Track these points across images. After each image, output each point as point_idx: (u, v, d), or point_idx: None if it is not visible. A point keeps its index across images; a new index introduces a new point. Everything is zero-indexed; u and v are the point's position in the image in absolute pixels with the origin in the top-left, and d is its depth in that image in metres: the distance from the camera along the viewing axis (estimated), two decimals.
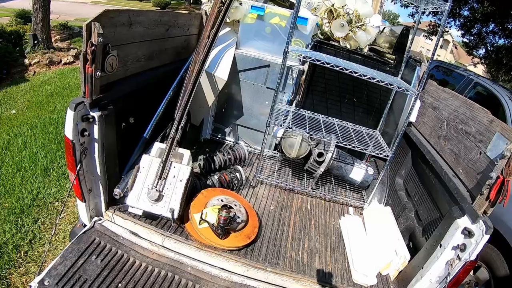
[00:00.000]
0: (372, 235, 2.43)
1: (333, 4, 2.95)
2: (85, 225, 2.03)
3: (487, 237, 1.63)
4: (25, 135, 4.43)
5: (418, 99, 2.64)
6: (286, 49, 2.34)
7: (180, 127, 2.14)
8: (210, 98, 2.88)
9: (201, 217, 2.00)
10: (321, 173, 2.66)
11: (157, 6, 19.48)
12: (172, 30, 2.56)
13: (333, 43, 3.02)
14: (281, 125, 2.49)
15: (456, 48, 32.72)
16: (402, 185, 2.77)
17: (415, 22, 3.11)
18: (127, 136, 2.18)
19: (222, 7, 2.42)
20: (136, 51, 2.14)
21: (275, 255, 2.11)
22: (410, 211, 2.48)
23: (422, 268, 1.92)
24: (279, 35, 2.90)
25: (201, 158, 2.64)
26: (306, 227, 2.44)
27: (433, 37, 10.94)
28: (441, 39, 2.47)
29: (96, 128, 1.81)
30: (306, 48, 2.88)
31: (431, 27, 10.62)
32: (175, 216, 1.94)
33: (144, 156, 2.03)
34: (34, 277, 1.72)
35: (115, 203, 2.12)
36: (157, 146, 2.16)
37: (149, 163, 2.00)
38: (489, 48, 9.60)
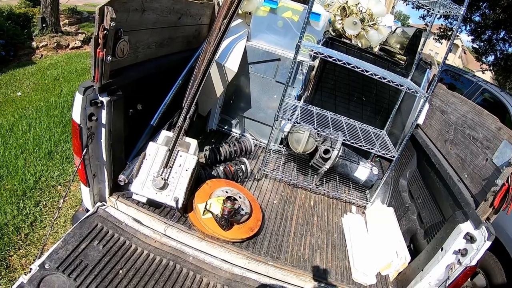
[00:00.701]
0: (373, 235, 2.43)
1: (346, 2, 2.92)
2: (87, 210, 2.03)
3: (489, 243, 1.63)
4: (30, 117, 4.43)
5: (427, 102, 2.62)
6: (299, 43, 2.32)
7: (188, 116, 2.13)
8: (219, 89, 2.87)
9: (205, 208, 2.00)
10: (326, 170, 2.65)
11: None
12: (184, 18, 2.54)
13: (344, 40, 2.99)
14: (289, 120, 2.47)
15: (465, 53, 32.51)
16: (406, 187, 2.77)
17: (426, 24, 3.08)
18: (134, 123, 2.17)
19: None
20: (147, 37, 2.13)
21: (277, 249, 2.11)
22: (413, 213, 2.48)
23: (422, 270, 1.93)
24: (290, 30, 2.88)
25: (207, 149, 2.63)
26: (308, 223, 2.45)
27: (443, 40, 10.84)
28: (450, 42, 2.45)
29: (104, 113, 1.80)
30: (318, 44, 2.86)
31: (441, 30, 10.52)
32: (179, 205, 1.94)
33: (150, 143, 2.02)
34: (34, 260, 1.72)
35: (119, 189, 2.12)
36: (164, 134, 2.15)
37: (155, 150, 1.99)
38: (498, 56, 9.50)
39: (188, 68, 2.62)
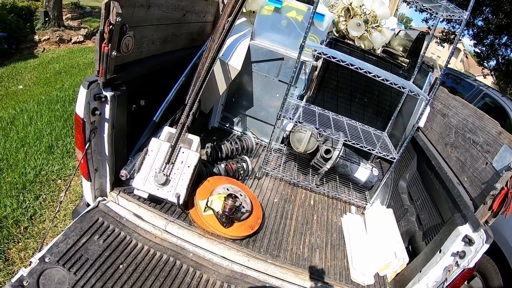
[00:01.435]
0: (372, 236, 2.44)
1: (350, 3, 2.93)
2: (88, 205, 2.04)
3: (487, 246, 1.64)
4: (31, 111, 4.43)
5: (428, 105, 2.63)
6: (303, 43, 2.32)
7: (191, 113, 2.13)
8: (222, 87, 2.87)
9: (206, 204, 2.01)
10: (326, 169, 2.66)
11: None
12: (188, 15, 2.55)
13: (348, 41, 3.00)
14: (291, 119, 2.48)
15: (466, 57, 32.52)
16: (406, 189, 2.78)
17: (428, 27, 3.09)
18: (137, 118, 2.17)
19: None
20: (152, 33, 2.13)
21: (276, 248, 2.12)
22: (412, 215, 2.49)
23: (420, 271, 1.94)
24: (294, 29, 2.88)
25: (209, 146, 2.64)
26: (308, 222, 2.46)
27: (445, 44, 10.85)
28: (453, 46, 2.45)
29: (107, 108, 1.81)
30: (321, 44, 2.86)
31: (443, 34, 10.53)
32: (181, 202, 1.95)
33: (153, 139, 2.03)
34: (33, 253, 1.71)
35: (120, 184, 2.13)
36: (167, 130, 2.16)
37: (158, 146, 2.00)
38: (500, 61, 9.52)
39: (191, 65, 2.62)
